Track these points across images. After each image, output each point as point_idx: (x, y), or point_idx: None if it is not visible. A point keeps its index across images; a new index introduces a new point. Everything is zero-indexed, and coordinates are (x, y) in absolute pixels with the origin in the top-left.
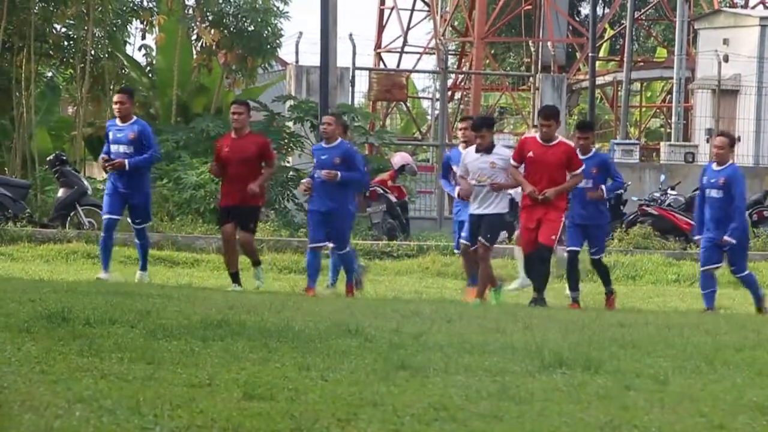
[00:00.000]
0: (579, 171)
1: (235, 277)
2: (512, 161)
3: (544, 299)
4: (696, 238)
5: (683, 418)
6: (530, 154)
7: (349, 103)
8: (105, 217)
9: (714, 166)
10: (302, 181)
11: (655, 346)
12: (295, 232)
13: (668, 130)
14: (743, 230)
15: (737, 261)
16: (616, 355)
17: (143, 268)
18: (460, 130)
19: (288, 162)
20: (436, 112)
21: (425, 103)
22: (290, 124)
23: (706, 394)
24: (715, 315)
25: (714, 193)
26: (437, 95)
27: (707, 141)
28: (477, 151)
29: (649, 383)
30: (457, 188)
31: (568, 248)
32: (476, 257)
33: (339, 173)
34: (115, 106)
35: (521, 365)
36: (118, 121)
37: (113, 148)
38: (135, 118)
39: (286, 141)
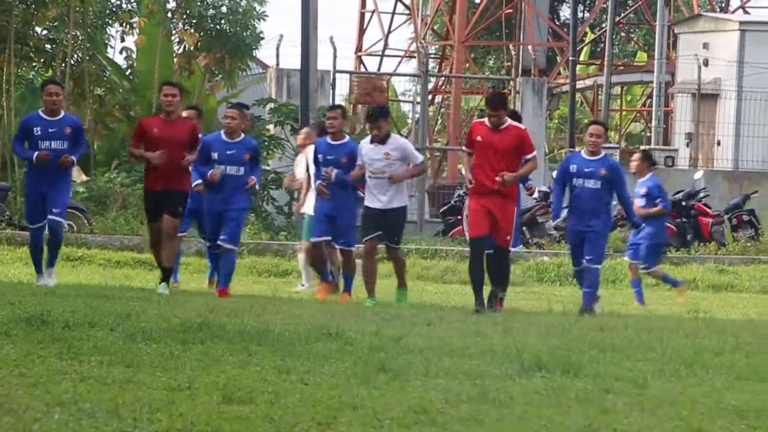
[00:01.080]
0: (532, 155)
1: (167, 274)
2: (464, 149)
3: (500, 301)
4: (554, 223)
5: (662, 421)
6: (478, 138)
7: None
8: (35, 226)
9: (585, 155)
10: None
11: (634, 349)
12: (275, 236)
13: (648, 134)
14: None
15: (597, 251)
16: (596, 358)
17: (52, 264)
18: (328, 119)
19: (269, 165)
20: (417, 115)
21: (406, 107)
22: (270, 127)
23: (685, 397)
24: (694, 319)
25: (590, 184)
26: (418, 98)
27: (687, 145)
28: (372, 141)
29: (629, 387)
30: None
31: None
32: (322, 253)
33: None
34: (48, 99)
35: (501, 368)
36: (46, 115)
37: (43, 144)
38: (63, 112)
39: (266, 144)
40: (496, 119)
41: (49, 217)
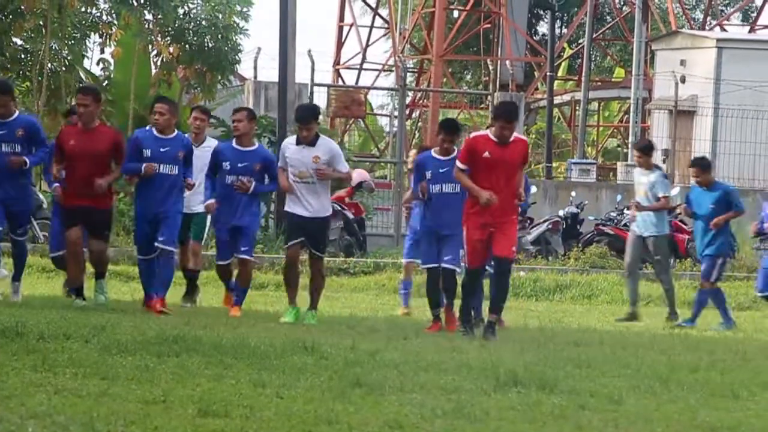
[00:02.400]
0: (524, 167)
1: (79, 291)
2: (459, 164)
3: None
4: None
5: None
6: (486, 154)
7: None
8: None
9: (436, 154)
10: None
11: (610, 366)
12: None
13: (625, 150)
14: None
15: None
16: (572, 374)
17: (16, 279)
18: (234, 121)
19: None
20: (394, 129)
21: (383, 120)
22: None
23: (660, 414)
24: (669, 335)
25: (448, 189)
26: (395, 112)
27: (664, 161)
28: (299, 143)
29: (604, 403)
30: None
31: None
32: (230, 272)
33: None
34: None
35: (476, 384)
36: None
37: None
38: (17, 113)
39: None
40: (509, 132)
41: (11, 234)
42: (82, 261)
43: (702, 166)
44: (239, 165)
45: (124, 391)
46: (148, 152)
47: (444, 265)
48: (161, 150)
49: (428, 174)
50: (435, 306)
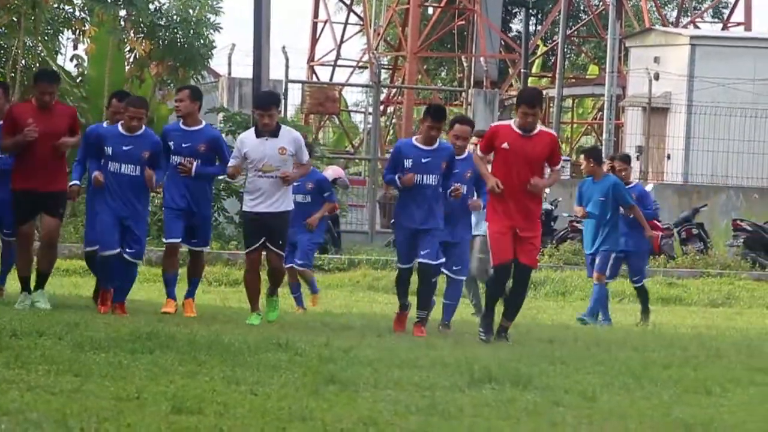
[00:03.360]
0: (560, 166)
1: (26, 283)
2: (478, 151)
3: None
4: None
5: None
6: (505, 145)
7: (282, 115)
8: None
9: (418, 143)
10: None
11: (583, 362)
12: (225, 245)
13: (599, 147)
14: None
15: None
16: (546, 371)
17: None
18: (176, 101)
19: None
20: (369, 125)
21: (357, 117)
22: (222, 136)
23: (633, 410)
24: (642, 332)
25: (429, 180)
26: (370, 109)
27: (638, 158)
28: (259, 134)
29: (578, 399)
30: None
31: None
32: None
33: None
34: None
35: (451, 380)
36: None
37: None
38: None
39: None
40: (533, 119)
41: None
42: (31, 252)
43: (594, 157)
44: (183, 145)
45: (97, 388)
46: (109, 150)
47: (420, 260)
48: (124, 149)
49: (408, 163)
50: (402, 295)
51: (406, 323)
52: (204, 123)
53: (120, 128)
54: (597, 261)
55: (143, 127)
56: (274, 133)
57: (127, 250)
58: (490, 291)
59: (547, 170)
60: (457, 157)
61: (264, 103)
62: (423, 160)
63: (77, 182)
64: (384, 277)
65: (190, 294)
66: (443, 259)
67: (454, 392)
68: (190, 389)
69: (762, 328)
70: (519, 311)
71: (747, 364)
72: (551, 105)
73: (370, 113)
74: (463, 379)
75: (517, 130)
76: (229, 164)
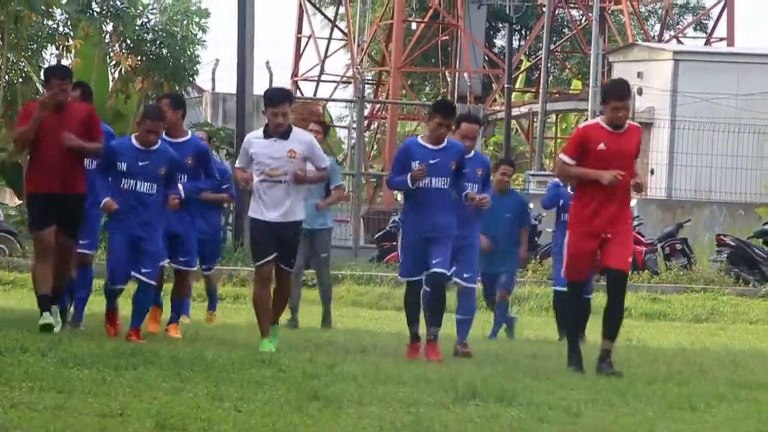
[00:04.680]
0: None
1: (45, 302)
2: (566, 158)
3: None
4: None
5: None
6: (601, 146)
7: None
8: None
9: (425, 141)
10: None
11: (568, 378)
12: None
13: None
14: None
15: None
16: (530, 387)
17: None
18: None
19: None
20: (353, 140)
21: (342, 132)
22: None
23: (618, 426)
24: (627, 347)
25: (439, 183)
26: (353, 124)
27: None
28: (268, 135)
29: (562, 416)
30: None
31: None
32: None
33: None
34: None
35: (435, 396)
36: None
37: None
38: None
39: None
40: (624, 113)
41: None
42: (51, 265)
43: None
44: (139, 164)
45: (81, 404)
46: (123, 166)
47: (433, 269)
48: (140, 164)
49: (415, 165)
50: (413, 321)
51: (420, 348)
52: (190, 134)
53: (134, 141)
54: (503, 279)
55: (159, 140)
56: (284, 135)
57: (142, 270)
58: (569, 314)
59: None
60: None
61: (276, 99)
62: (431, 161)
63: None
64: (368, 292)
65: (174, 319)
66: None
67: (439, 408)
68: (174, 406)
69: (746, 344)
70: (620, 325)
71: (731, 379)
72: (535, 120)
73: (354, 128)
74: (447, 396)
75: (608, 128)
76: (237, 165)
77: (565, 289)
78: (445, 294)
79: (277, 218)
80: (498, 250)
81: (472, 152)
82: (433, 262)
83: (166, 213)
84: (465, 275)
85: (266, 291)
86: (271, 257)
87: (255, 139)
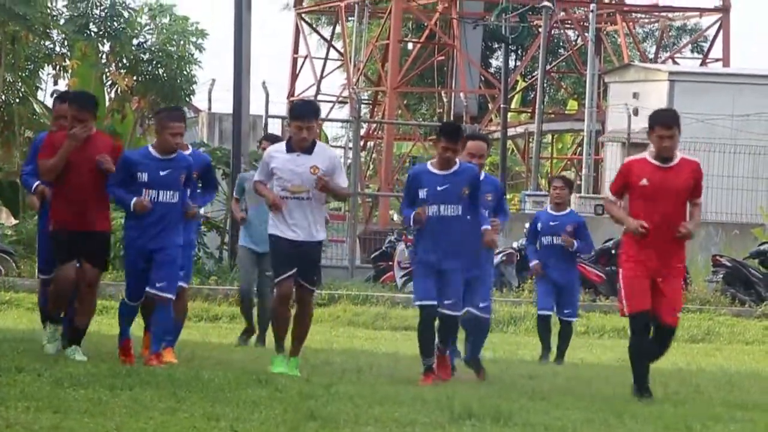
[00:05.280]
0: (700, 200)
1: (53, 316)
2: (610, 195)
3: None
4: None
5: None
6: (643, 182)
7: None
8: None
9: (433, 168)
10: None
11: (564, 398)
12: (205, 280)
13: (578, 183)
14: None
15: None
16: (526, 407)
17: None
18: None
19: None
20: (349, 160)
21: (338, 152)
22: None
23: None
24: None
25: (449, 211)
26: (350, 144)
27: None
28: (290, 149)
29: None
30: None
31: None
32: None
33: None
34: None
35: (431, 417)
36: None
37: None
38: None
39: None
40: (670, 143)
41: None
42: (68, 295)
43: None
44: (160, 174)
45: (77, 424)
46: (143, 176)
47: (444, 310)
48: (160, 173)
49: (422, 192)
50: (428, 354)
51: (434, 377)
52: (191, 148)
53: (152, 151)
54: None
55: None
56: (308, 150)
57: (156, 284)
58: (634, 349)
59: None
60: None
61: (303, 113)
62: (439, 188)
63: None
64: (364, 312)
65: (169, 342)
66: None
67: (435, 429)
68: (170, 426)
69: (742, 365)
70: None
71: (727, 400)
72: (531, 140)
73: (350, 148)
74: (443, 416)
75: (654, 162)
76: (256, 179)
77: (548, 313)
78: (457, 330)
79: (297, 237)
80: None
81: (482, 175)
82: (445, 302)
83: (178, 224)
84: (481, 305)
85: (285, 307)
86: (291, 272)
87: (277, 152)
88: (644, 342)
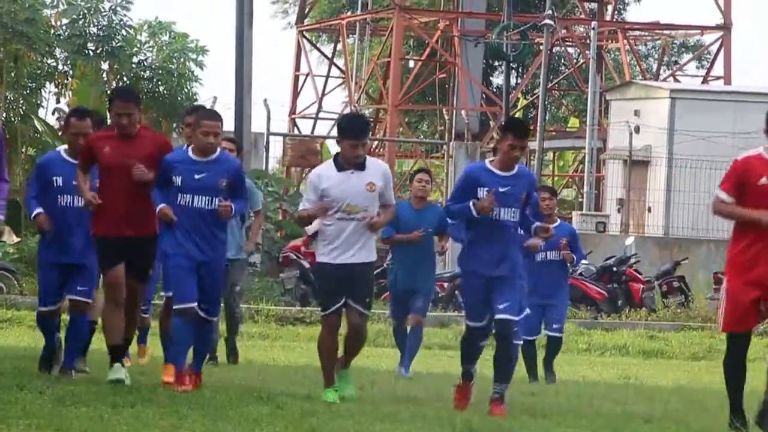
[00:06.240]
0: None
1: (116, 353)
2: (723, 195)
3: None
4: None
5: None
6: (763, 180)
7: (263, 168)
8: None
9: (494, 167)
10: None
11: (565, 416)
12: None
13: (580, 200)
14: None
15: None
16: (527, 424)
17: None
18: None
19: None
20: None
21: None
22: None
23: None
24: (624, 385)
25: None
26: None
27: (618, 211)
28: (341, 167)
29: None
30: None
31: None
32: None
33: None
34: None
35: None
36: None
37: None
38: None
39: None
40: None
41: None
42: (123, 309)
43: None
44: (195, 177)
45: None
46: (178, 179)
47: (499, 315)
48: (196, 177)
49: (482, 192)
50: (468, 360)
51: (470, 394)
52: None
53: (190, 153)
54: (420, 303)
55: (218, 149)
56: (360, 166)
57: (202, 306)
58: (728, 368)
59: None
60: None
61: (359, 133)
62: (501, 189)
63: (41, 211)
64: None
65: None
66: (527, 312)
67: None
68: None
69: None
70: None
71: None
72: (532, 158)
73: None
74: None
75: None
76: (302, 208)
77: (531, 338)
78: (517, 347)
79: (349, 259)
80: (417, 265)
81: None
82: (500, 307)
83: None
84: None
85: (333, 338)
86: (339, 305)
87: (327, 172)
88: (739, 365)
